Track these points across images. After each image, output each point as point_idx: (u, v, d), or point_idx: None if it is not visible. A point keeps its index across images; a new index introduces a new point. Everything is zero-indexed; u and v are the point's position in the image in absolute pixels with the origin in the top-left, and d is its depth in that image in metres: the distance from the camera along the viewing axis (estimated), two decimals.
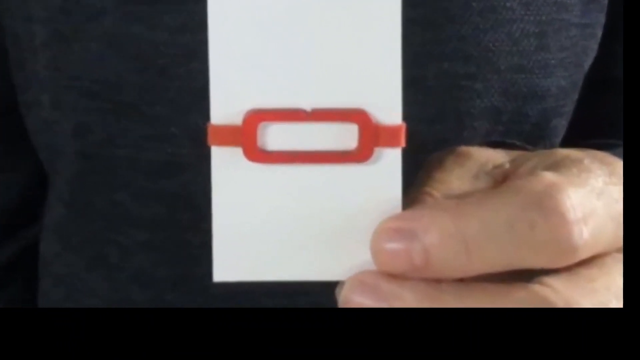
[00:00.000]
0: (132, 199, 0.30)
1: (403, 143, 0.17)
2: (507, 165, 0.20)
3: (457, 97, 0.28)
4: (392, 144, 0.17)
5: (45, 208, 0.34)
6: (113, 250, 0.31)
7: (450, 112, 0.28)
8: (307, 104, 0.17)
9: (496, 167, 0.20)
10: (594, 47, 0.31)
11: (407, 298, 0.17)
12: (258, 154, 0.17)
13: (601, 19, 0.31)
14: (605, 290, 0.17)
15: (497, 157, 0.21)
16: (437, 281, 0.17)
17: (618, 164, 0.19)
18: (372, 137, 0.17)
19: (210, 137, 0.17)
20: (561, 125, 0.32)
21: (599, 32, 0.31)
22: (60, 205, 0.33)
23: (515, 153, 0.21)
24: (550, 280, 0.17)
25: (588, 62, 0.31)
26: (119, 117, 0.29)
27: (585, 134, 0.33)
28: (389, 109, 0.17)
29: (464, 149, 0.21)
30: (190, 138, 0.28)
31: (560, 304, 0.16)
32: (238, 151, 0.17)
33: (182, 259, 0.30)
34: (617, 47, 0.31)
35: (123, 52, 0.28)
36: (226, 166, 0.18)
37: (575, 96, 0.32)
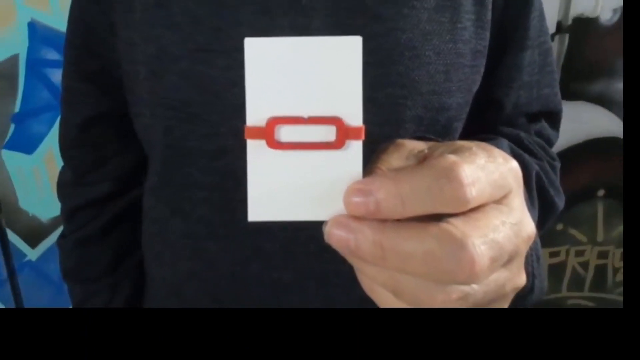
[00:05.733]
0: (198, 172, 0.44)
1: (363, 137, 0.26)
2: (426, 151, 0.28)
3: (396, 110, 0.41)
4: (356, 137, 0.26)
5: (146, 177, 0.51)
6: (186, 204, 0.46)
7: (392, 119, 0.42)
8: (305, 114, 0.26)
9: (419, 152, 0.28)
10: (479, 79, 0.47)
11: (366, 231, 0.24)
12: (275, 144, 0.26)
13: (484, 62, 0.46)
14: (485, 227, 0.24)
15: (420, 145, 0.29)
16: (384, 221, 0.24)
17: (494, 150, 0.27)
18: (344, 134, 0.25)
19: (246, 134, 0.26)
20: (460, 127, 0.46)
21: (482, 70, 0.47)
22: (154, 176, 0.48)
23: (431, 143, 0.29)
24: (453, 220, 0.24)
25: (475, 88, 0.47)
26: (190, 122, 0.43)
27: (473, 132, 0.48)
28: (354, 117, 0.25)
29: (400, 140, 0.29)
30: (233, 135, 0.42)
31: (458, 234, 0.23)
32: (263, 143, 0.26)
33: (229, 209, 0.44)
34: (493, 80, 0.48)
35: (192, 82, 0.41)
36: (256, 152, 0.26)
37: (468, 109, 0.47)
